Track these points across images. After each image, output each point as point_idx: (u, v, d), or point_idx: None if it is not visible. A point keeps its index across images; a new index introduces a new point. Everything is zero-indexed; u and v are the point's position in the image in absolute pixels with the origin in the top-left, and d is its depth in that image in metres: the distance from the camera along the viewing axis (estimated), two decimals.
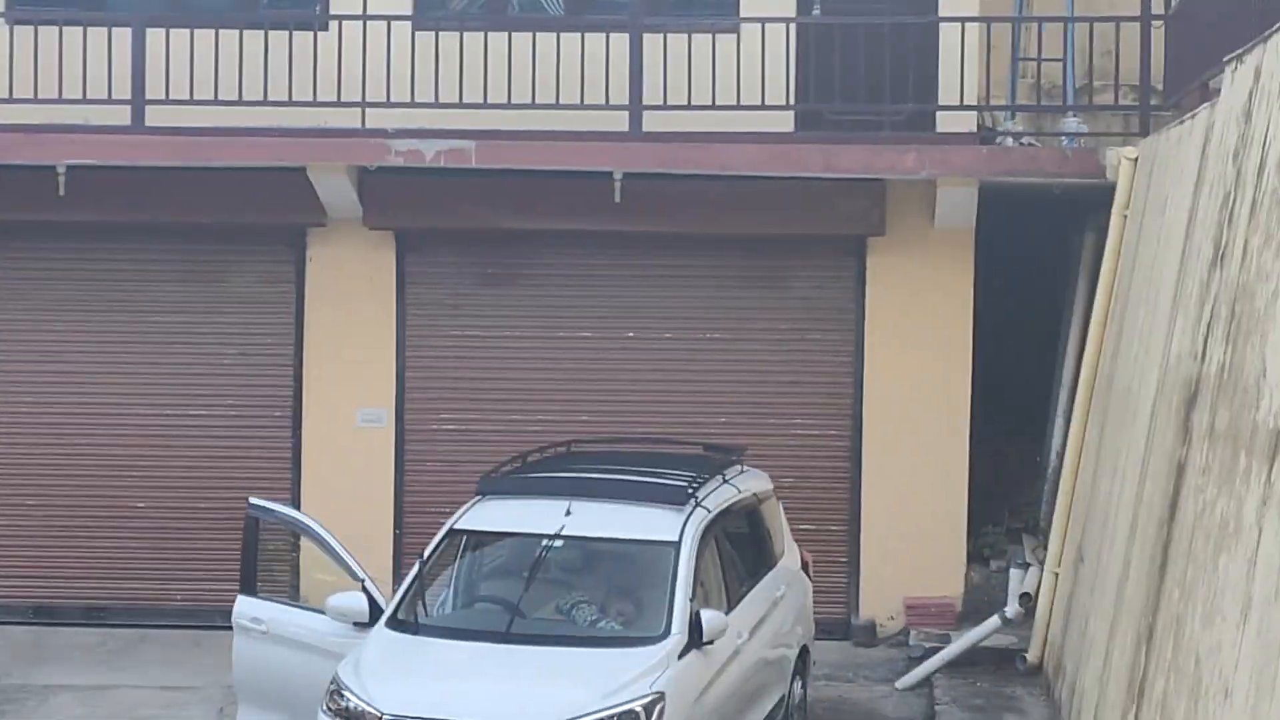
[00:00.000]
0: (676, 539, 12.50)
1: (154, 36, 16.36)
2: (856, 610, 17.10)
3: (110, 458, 17.38)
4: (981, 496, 17.29)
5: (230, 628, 13.20)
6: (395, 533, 17.15)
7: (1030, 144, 17.28)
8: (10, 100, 16.41)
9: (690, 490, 12.96)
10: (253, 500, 13.40)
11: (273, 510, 13.39)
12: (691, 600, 12.22)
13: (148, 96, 16.30)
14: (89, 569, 17.38)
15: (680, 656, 11.94)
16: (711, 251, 17.19)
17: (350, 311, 17.25)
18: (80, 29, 16.43)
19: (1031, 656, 15.40)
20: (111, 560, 17.36)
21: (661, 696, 11.56)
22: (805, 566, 14.75)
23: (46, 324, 17.46)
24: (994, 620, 15.69)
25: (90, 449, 17.41)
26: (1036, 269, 18.06)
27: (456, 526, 13.02)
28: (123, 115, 16.34)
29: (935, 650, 15.96)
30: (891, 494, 16.99)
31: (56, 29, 16.40)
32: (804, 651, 14.32)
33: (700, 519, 12.78)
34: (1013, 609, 15.62)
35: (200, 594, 17.02)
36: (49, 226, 17.20)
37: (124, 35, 16.36)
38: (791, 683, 13.93)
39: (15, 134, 16.41)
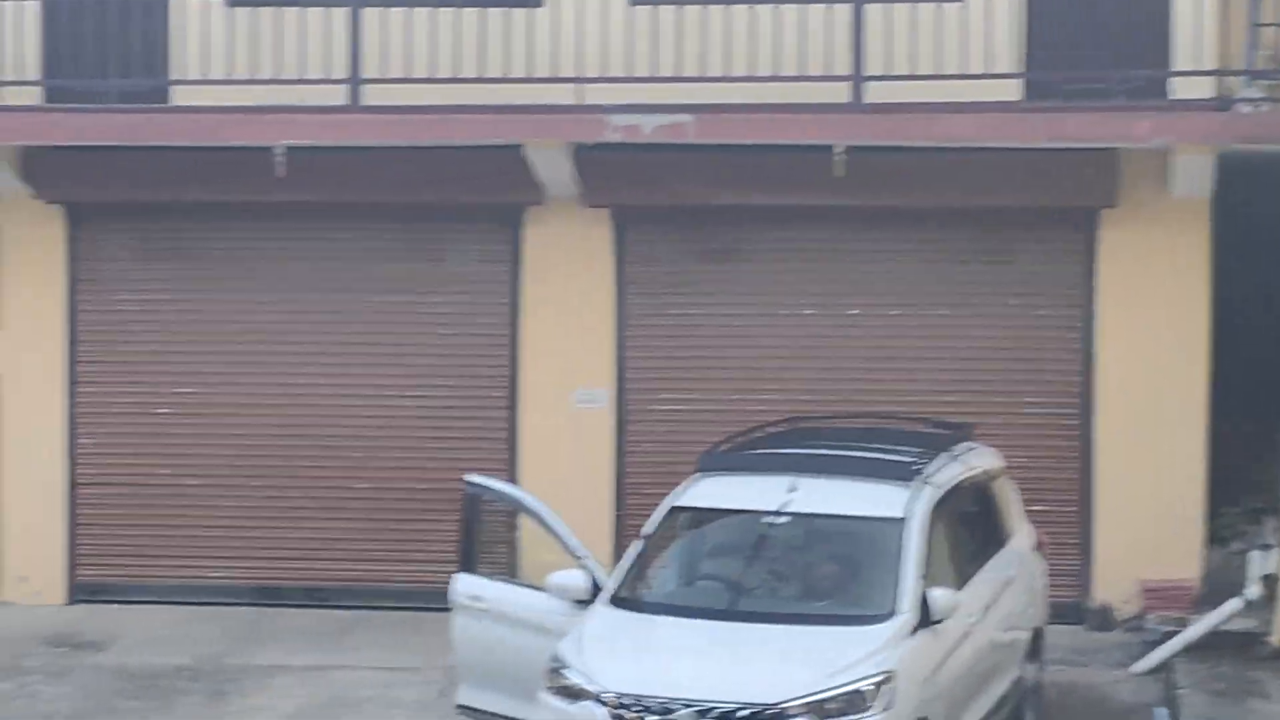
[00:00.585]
0: (904, 515, 12.18)
1: (370, 16, 16.30)
2: (1089, 594, 16.59)
3: (329, 438, 17.37)
4: (1218, 476, 16.68)
5: (449, 609, 13.09)
6: (615, 513, 16.94)
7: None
8: (229, 81, 16.44)
9: (918, 466, 12.64)
10: (470, 477, 13.27)
11: (491, 487, 13.26)
12: (922, 578, 11.86)
13: (363, 75, 16.25)
14: (309, 550, 17.39)
15: (910, 635, 11.61)
16: (935, 225, 16.77)
17: (567, 290, 17.07)
18: (298, 9, 16.43)
19: (1275, 639, 14.87)
20: (331, 541, 17.35)
21: (891, 676, 11.21)
22: (1039, 547, 14.32)
23: (266, 305, 17.50)
24: (1235, 603, 15.16)
25: (310, 430, 17.41)
26: (1276, 241, 17.39)
27: (678, 504, 12.79)
28: (338, 95, 16.29)
29: (1173, 634, 15.43)
30: (1125, 474, 16.44)
31: (274, 10, 16.42)
32: (1037, 634, 13.90)
33: (929, 496, 12.44)
34: (1254, 591, 15.10)
35: (419, 575, 16.91)
36: (267, 207, 17.23)
37: (340, 15, 16.33)
38: (1025, 665, 13.51)
39: (234, 114, 16.41)
